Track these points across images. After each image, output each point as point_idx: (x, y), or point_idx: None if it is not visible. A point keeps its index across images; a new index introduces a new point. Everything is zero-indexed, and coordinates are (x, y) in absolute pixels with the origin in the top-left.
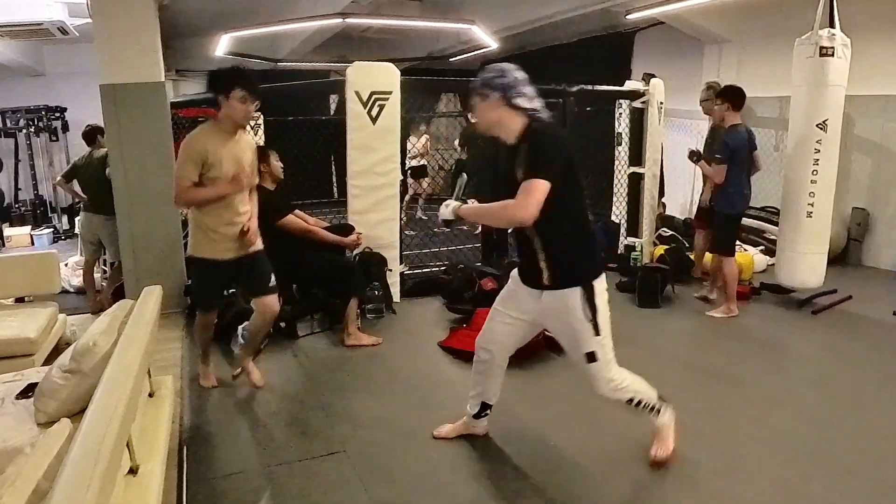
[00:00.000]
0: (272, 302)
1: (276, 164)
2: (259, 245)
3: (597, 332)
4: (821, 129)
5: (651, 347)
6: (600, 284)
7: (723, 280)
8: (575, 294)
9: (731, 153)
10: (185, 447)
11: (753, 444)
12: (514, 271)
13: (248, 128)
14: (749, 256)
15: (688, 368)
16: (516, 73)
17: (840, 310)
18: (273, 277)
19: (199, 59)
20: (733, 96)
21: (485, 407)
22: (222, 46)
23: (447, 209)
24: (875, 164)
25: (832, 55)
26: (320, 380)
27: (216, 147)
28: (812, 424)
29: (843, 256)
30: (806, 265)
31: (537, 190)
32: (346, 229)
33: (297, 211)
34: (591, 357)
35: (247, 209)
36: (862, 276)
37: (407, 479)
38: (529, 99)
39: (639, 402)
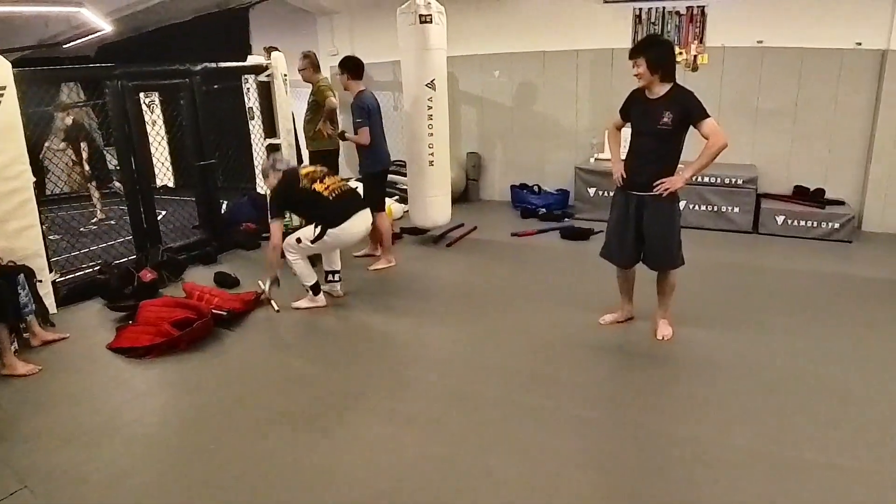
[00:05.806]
0: None
1: None
2: None
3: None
4: (430, 87)
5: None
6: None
7: (379, 234)
8: None
9: (367, 115)
10: None
11: (417, 362)
12: None
13: None
14: (388, 206)
15: (346, 321)
16: None
17: (470, 238)
18: None
19: None
20: (350, 66)
21: None
22: None
23: None
24: (480, 114)
25: (430, 22)
26: None
27: None
28: (461, 331)
29: (464, 195)
30: (435, 207)
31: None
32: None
33: None
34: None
35: None
36: (482, 208)
37: (102, 487)
38: None
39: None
